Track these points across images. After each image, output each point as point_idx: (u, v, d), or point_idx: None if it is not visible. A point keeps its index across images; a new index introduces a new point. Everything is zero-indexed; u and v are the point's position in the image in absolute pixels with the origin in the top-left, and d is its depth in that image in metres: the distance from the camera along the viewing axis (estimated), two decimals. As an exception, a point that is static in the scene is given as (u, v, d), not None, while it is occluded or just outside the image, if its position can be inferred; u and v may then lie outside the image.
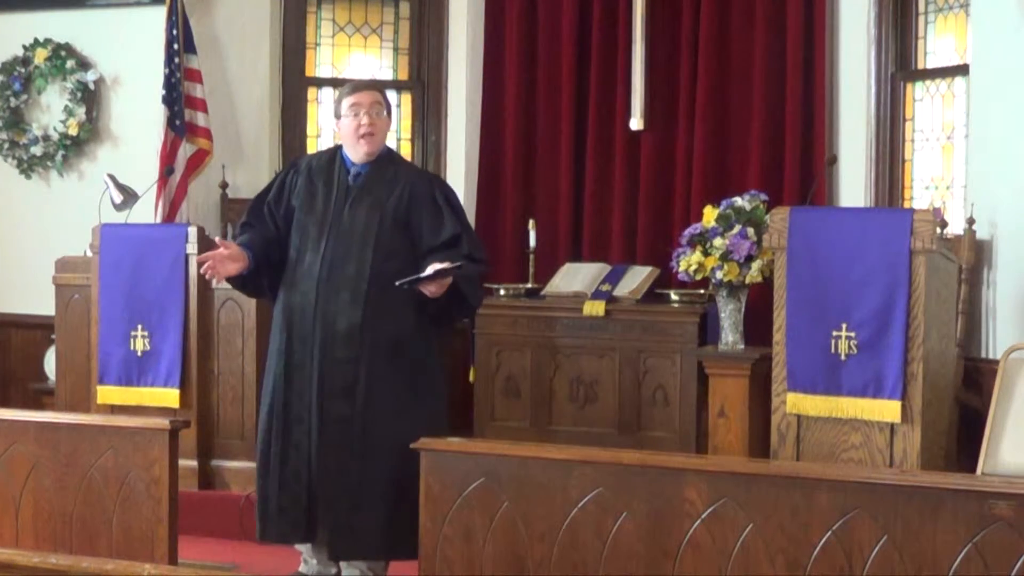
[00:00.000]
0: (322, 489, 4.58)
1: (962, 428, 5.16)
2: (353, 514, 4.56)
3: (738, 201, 5.70)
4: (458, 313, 4.78)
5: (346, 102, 4.70)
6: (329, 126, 7.34)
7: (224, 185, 6.90)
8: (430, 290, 4.48)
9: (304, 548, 4.81)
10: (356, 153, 4.72)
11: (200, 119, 6.74)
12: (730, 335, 5.69)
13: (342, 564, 4.72)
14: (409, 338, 4.64)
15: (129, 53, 6.96)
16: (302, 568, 4.82)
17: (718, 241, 5.59)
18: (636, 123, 6.65)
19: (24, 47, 7.05)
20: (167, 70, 6.62)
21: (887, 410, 4.72)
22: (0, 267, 7.17)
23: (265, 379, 4.77)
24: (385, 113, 4.76)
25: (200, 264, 4.66)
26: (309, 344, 4.60)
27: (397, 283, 4.46)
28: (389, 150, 4.87)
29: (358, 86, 4.83)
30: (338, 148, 4.84)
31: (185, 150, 6.67)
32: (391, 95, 7.35)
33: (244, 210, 5.04)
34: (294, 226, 4.72)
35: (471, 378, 6.39)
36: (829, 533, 3.53)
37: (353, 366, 4.57)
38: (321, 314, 4.59)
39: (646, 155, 6.70)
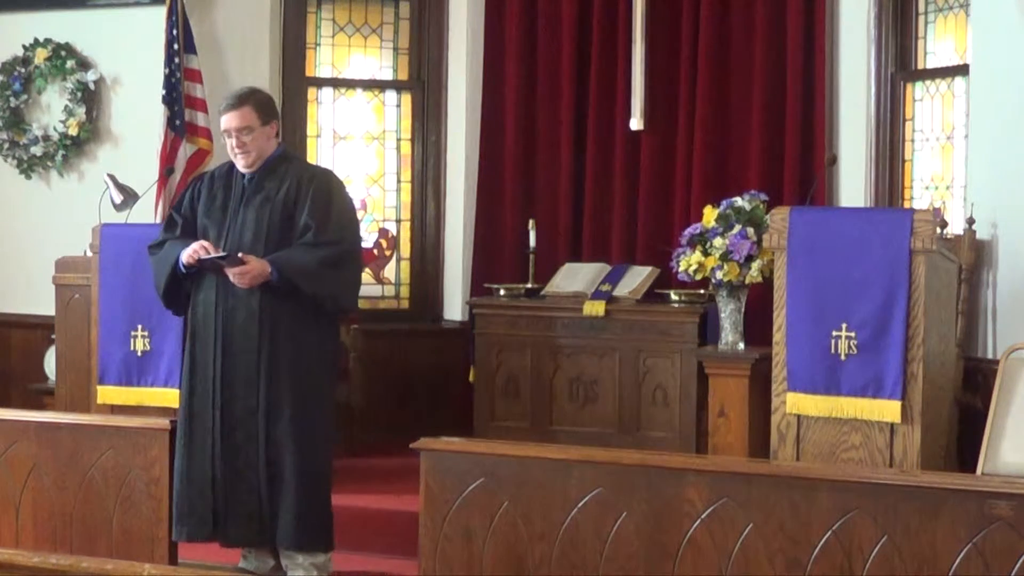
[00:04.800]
0: (227, 483, 4.61)
1: (962, 428, 5.16)
2: (259, 504, 4.60)
3: (738, 201, 5.70)
4: (308, 298, 4.65)
5: (221, 123, 4.75)
6: (329, 126, 7.35)
7: (224, 185, 6.90)
8: (237, 281, 4.57)
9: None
10: (239, 166, 4.79)
11: (200, 119, 6.74)
12: (730, 335, 5.69)
13: (284, 562, 4.72)
14: (307, 327, 4.68)
15: (129, 53, 6.95)
16: (241, 563, 4.83)
17: (718, 241, 5.59)
18: (636, 123, 6.65)
19: (24, 47, 7.04)
20: (167, 70, 6.62)
21: (887, 410, 4.71)
22: (0, 267, 7.17)
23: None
24: (256, 128, 4.70)
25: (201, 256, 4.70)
26: (212, 341, 4.68)
27: (199, 259, 4.58)
28: (284, 150, 4.91)
29: (225, 107, 4.77)
30: None
31: (185, 150, 6.66)
32: (391, 95, 7.38)
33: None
34: (198, 231, 4.80)
35: (471, 378, 6.39)
36: (829, 533, 3.53)
37: (254, 357, 4.63)
38: (222, 310, 4.68)
39: (646, 155, 6.70)
